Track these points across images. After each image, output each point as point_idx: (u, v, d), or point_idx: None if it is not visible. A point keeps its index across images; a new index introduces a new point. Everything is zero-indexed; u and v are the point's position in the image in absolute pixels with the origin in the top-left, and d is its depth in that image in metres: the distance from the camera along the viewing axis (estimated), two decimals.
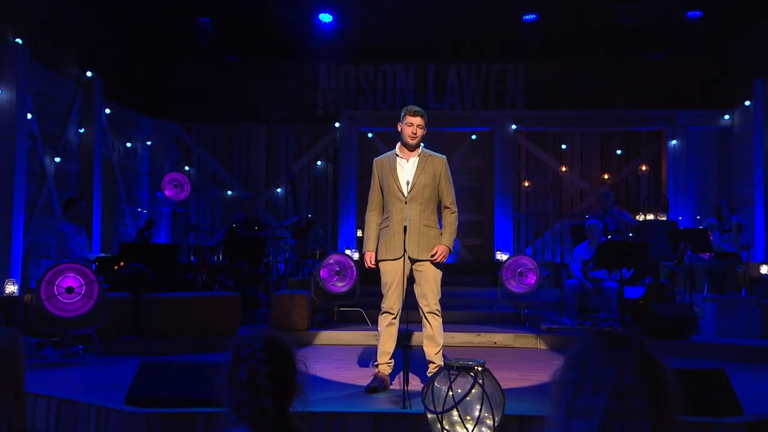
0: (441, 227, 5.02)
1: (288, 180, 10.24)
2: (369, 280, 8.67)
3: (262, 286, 9.42)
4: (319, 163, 12.11)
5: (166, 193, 10.51)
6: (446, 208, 5.02)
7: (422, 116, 4.89)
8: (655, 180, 11.97)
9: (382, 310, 4.98)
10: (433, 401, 2.63)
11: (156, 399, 3.04)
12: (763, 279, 8.74)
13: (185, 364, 3.10)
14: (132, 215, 11.26)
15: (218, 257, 8.47)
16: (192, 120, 12.31)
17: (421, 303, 4.85)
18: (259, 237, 8.74)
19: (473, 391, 2.54)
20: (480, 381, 2.59)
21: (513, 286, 8.61)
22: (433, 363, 4.80)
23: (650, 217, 10.87)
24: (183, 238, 10.21)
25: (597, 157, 12.20)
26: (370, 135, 11.64)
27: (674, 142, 11.35)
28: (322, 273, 8.07)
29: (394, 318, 4.96)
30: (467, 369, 2.66)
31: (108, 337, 6.44)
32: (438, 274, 4.93)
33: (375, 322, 8.04)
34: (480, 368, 2.69)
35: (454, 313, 8.25)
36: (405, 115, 4.90)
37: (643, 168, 11.80)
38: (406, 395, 3.45)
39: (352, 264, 8.21)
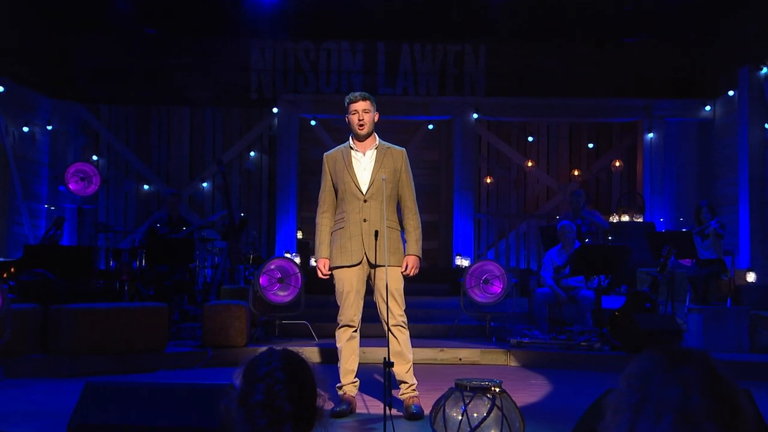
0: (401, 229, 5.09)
1: (219, 172, 10.09)
2: (316, 288, 8.67)
3: (187, 296, 9.28)
4: (252, 153, 11.97)
5: (71, 186, 10.24)
6: (407, 208, 5.06)
7: (365, 99, 4.93)
8: (630, 177, 12.27)
9: (341, 324, 4.97)
10: (445, 427, 2.64)
11: (105, 427, 2.95)
12: (749, 287, 9.06)
13: (139, 387, 3.02)
14: (29, 213, 10.91)
15: (140, 262, 8.30)
16: (101, 101, 11.98)
17: (384, 315, 4.85)
18: (186, 239, 8.60)
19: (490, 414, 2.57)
20: (498, 403, 2.62)
21: (477, 296, 8.71)
22: (406, 383, 4.82)
23: (625, 218, 11.15)
24: (92, 240, 9.95)
25: (565, 151, 12.43)
26: (312, 122, 11.59)
27: (651, 135, 11.65)
28: (262, 280, 8.00)
29: (355, 331, 4.96)
30: (483, 390, 2.69)
31: (10, 356, 6.26)
32: (401, 281, 4.97)
33: (323, 337, 8.11)
34: (497, 389, 2.72)
35: (411, 326, 8.27)
36: (347, 104, 4.97)
37: (617, 164, 12.07)
38: (388, 420, 3.44)
39: (297, 270, 8.16)
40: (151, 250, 8.34)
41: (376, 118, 5.00)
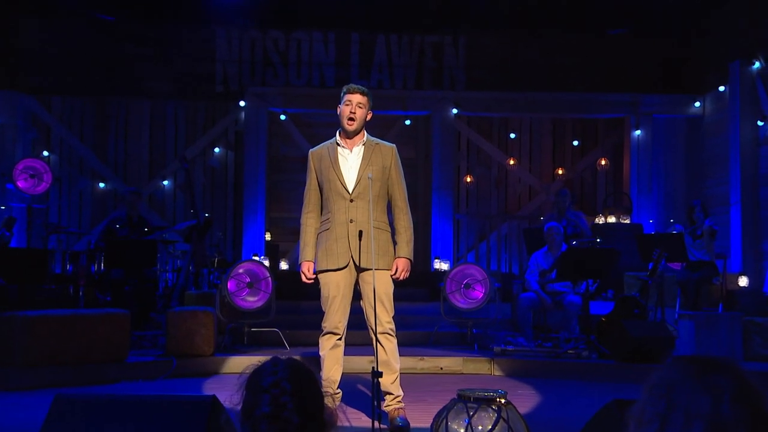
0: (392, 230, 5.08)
1: (182, 170, 10.02)
2: (287, 293, 8.65)
3: (148, 302, 9.19)
4: (217, 150, 11.89)
5: (19, 184, 10.09)
6: (397, 207, 5.08)
7: (362, 93, 4.95)
8: (616, 176, 12.37)
9: (324, 331, 4.96)
10: None
11: None
12: (742, 292, 9.17)
13: (113, 399, 2.98)
14: None
15: (98, 266, 8.21)
16: (52, 92, 11.82)
17: (372, 322, 4.85)
18: (149, 240, 8.53)
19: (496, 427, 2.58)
20: (504, 415, 2.62)
21: (458, 301, 8.73)
22: (391, 394, 4.80)
23: (611, 219, 11.23)
24: (43, 242, 9.82)
25: (548, 149, 12.50)
26: (282, 117, 11.53)
27: (638, 132, 11.75)
28: (230, 285, 7.95)
29: (339, 339, 4.95)
30: (488, 401, 2.69)
31: None
32: (390, 285, 4.98)
33: (295, 345, 8.09)
34: (503, 400, 2.72)
35: None
36: (343, 94, 4.97)
37: (602, 162, 12.15)
38: None
39: (267, 274, 8.12)
40: (111, 252, 8.25)
41: (369, 117, 5.01)
